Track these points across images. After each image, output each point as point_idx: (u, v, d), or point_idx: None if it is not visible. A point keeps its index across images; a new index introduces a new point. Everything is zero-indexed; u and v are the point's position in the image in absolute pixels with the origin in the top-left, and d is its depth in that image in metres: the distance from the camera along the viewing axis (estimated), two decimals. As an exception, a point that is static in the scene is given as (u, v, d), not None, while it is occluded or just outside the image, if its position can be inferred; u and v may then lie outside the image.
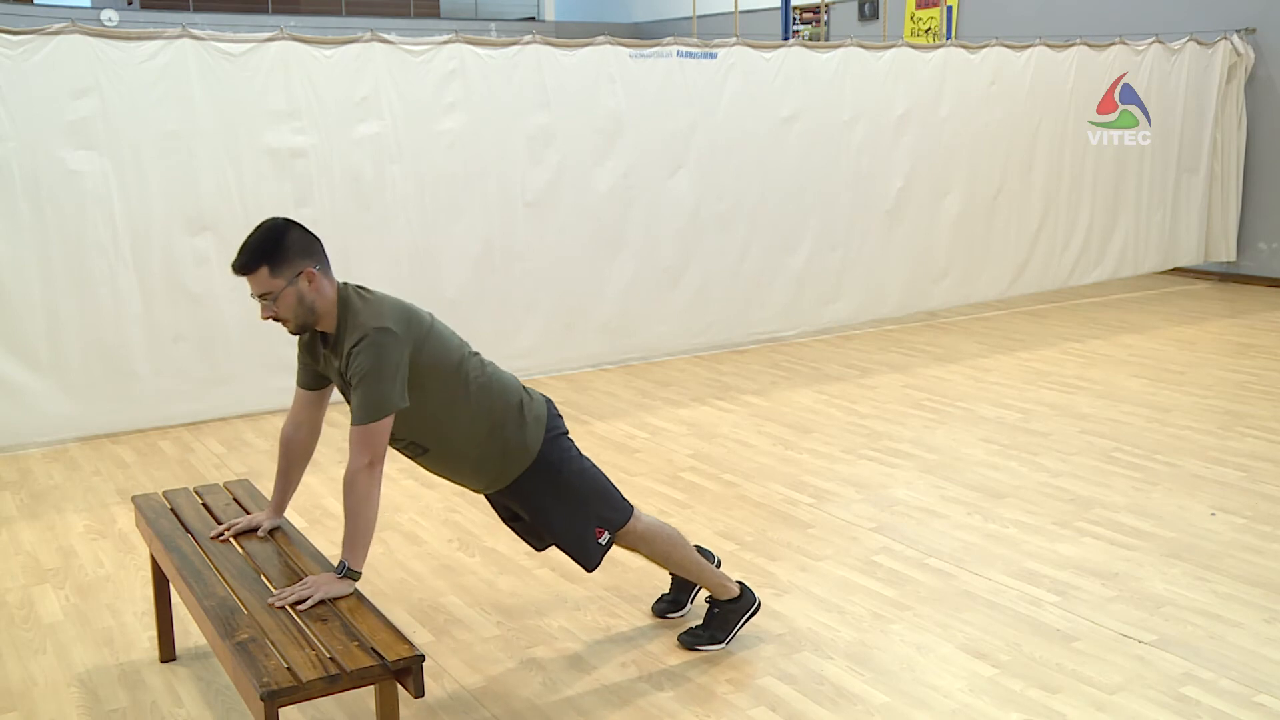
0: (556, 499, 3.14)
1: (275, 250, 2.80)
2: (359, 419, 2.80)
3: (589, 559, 3.18)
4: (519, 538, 3.36)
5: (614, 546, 3.23)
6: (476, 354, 3.11)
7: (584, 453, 3.25)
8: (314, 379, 3.10)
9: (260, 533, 3.17)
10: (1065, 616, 3.54)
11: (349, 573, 2.81)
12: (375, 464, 2.82)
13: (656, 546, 3.30)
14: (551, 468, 3.11)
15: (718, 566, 3.57)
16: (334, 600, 2.75)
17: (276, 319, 2.88)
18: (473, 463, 3.07)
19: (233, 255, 2.87)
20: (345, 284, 2.94)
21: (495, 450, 3.05)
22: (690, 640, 3.37)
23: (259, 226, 2.85)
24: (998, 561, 3.97)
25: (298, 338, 3.01)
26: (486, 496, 3.24)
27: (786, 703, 3.07)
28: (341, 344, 2.88)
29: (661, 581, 3.74)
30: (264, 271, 2.80)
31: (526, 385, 3.20)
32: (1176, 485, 4.74)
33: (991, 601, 3.66)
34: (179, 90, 5.52)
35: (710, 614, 3.40)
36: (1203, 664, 3.23)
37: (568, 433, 3.22)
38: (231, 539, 3.14)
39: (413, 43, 6.14)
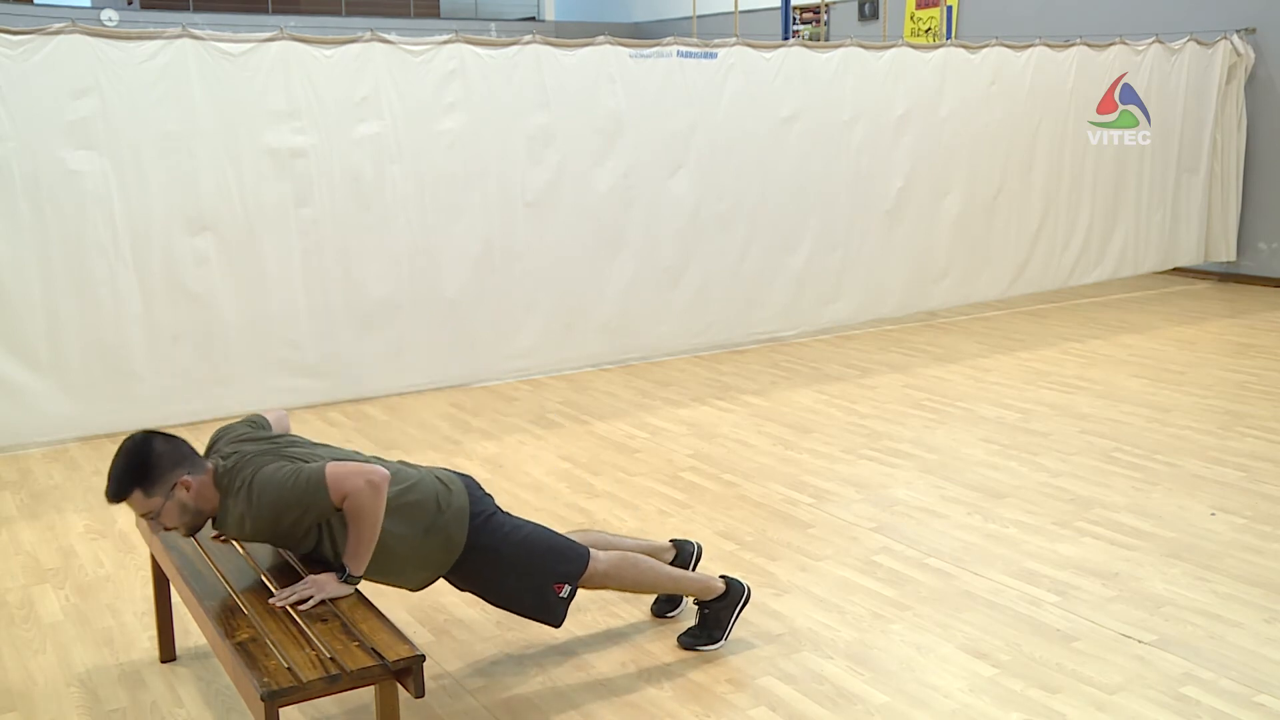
0: (503, 575, 3.09)
1: (143, 472, 2.79)
2: (325, 473, 2.77)
3: (553, 616, 3.13)
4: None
5: (579, 592, 3.21)
6: (386, 463, 3.04)
7: (520, 519, 3.18)
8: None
9: None
10: (1065, 616, 3.54)
11: (350, 578, 2.81)
12: (373, 479, 2.80)
13: (625, 579, 3.25)
14: (488, 550, 3.06)
15: (696, 555, 3.58)
16: (334, 601, 2.75)
17: (168, 530, 2.89)
18: (406, 575, 3.02)
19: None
20: (216, 465, 2.90)
21: (422, 557, 3.00)
22: (689, 641, 3.37)
23: (120, 449, 2.81)
24: (998, 561, 3.97)
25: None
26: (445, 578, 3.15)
27: (786, 703, 3.07)
28: (228, 513, 2.85)
29: (661, 581, 3.74)
30: (138, 495, 2.80)
31: (441, 474, 3.11)
32: (1176, 485, 4.74)
33: (991, 601, 3.66)
34: (179, 90, 5.52)
35: (702, 615, 3.40)
36: (1203, 664, 3.23)
37: (494, 511, 3.13)
38: (233, 540, 3.14)
39: (413, 43, 6.14)
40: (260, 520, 2.81)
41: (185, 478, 2.82)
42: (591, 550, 3.21)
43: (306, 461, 2.87)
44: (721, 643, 3.36)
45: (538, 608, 3.12)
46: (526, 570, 3.10)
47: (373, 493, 2.80)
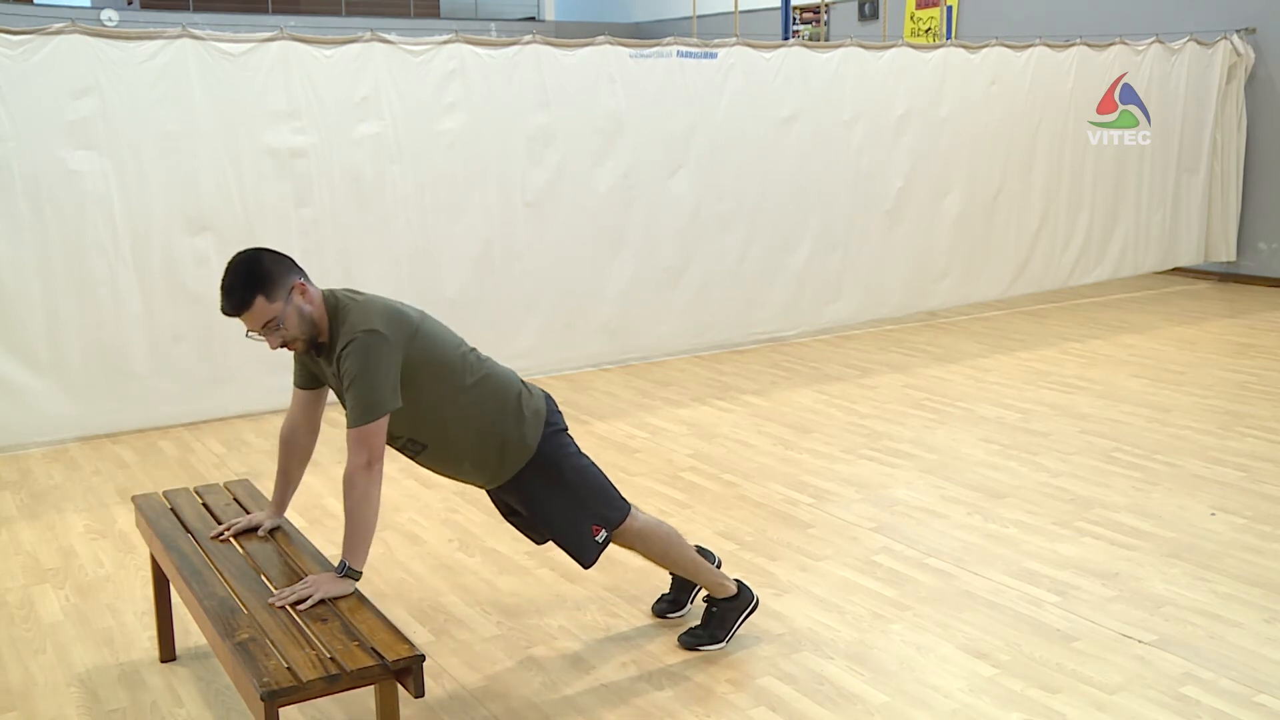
0: (554, 495, 3.14)
1: (263, 277, 2.81)
2: (353, 421, 2.81)
3: (586, 556, 3.18)
4: (519, 532, 3.36)
5: (611, 545, 3.23)
6: (474, 350, 3.12)
7: (583, 451, 3.25)
8: (310, 378, 3.11)
9: (260, 532, 3.17)
10: (1065, 616, 3.54)
11: (349, 572, 2.81)
12: (374, 464, 2.82)
13: (653, 545, 3.30)
14: (550, 463, 3.11)
15: (718, 567, 3.58)
16: (334, 600, 2.75)
17: (285, 345, 2.88)
18: (471, 459, 3.07)
19: (234, 254, 2.88)
20: (331, 290, 2.95)
21: (493, 446, 3.05)
22: (690, 641, 3.37)
23: (231, 264, 2.84)
24: (998, 561, 3.97)
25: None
26: (487, 492, 3.24)
27: (786, 703, 3.07)
28: (333, 349, 2.88)
29: (661, 581, 3.74)
30: (260, 301, 2.81)
31: (526, 380, 3.20)
32: (1176, 485, 4.74)
33: (991, 601, 3.66)
34: (179, 90, 5.52)
35: (709, 613, 3.40)
36: (1203, 664, 3.23)
37: (567, 429, 3.22)
38: (231, 539, 3.14)
39: (413, 43, 6.14)
40: (355, 372, 2.81)
41: (302, 282, 2.86)
42: (633, 507, 3.26)
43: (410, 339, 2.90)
44: (723, 644, 3.36)
45: (575, 540, 3.17)
46: (577, 499, 3.15)
47: (366, 475, 2.80)
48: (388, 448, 2.95)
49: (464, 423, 3.02)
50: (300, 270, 2.91)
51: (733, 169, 7.17)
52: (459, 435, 3.03)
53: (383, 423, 2.83)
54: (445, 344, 3.02)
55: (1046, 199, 8.61)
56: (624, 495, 3.28)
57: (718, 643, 3.36)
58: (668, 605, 3.59)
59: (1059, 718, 2.97)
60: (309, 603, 2.72)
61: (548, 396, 3.21)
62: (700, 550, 3.55)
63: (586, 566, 3.21)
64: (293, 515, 4.49)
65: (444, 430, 3.02)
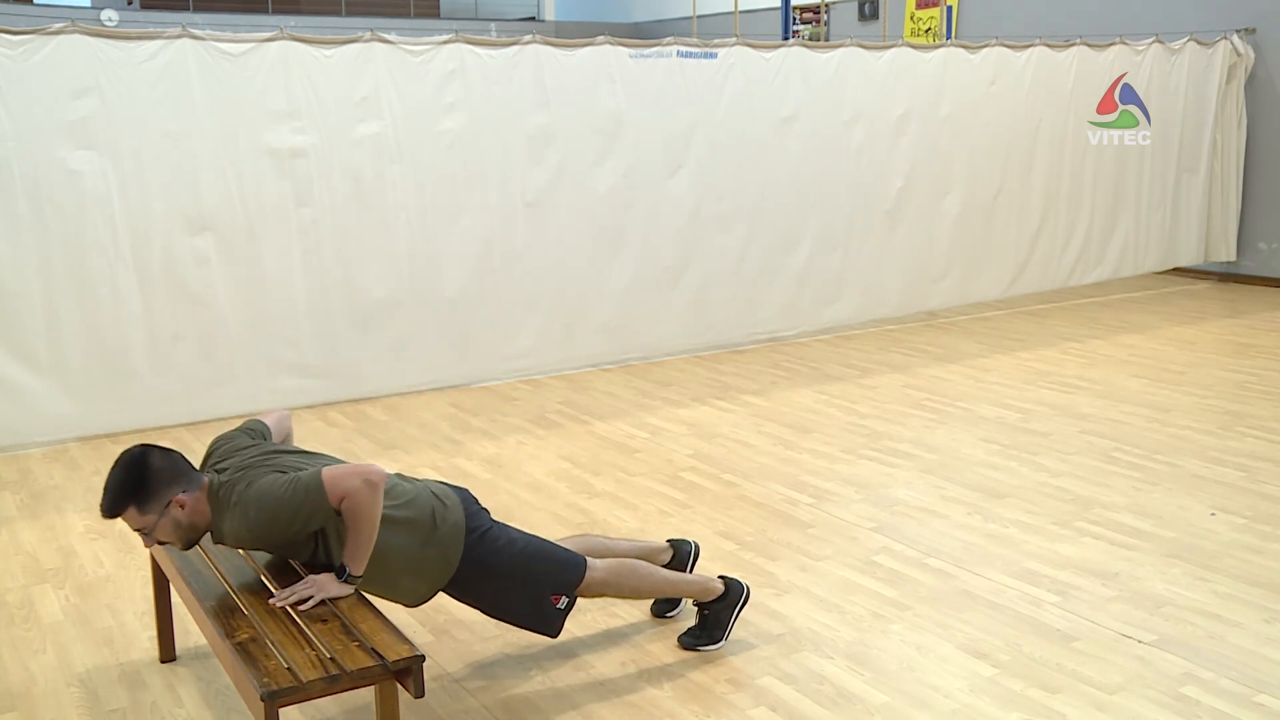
0: (499, 589, 3.09)
1: (138, 489, 2.78)
2: (321, 477, 2.77)
3: (551, 628, 3.14)
4: None
5: (579, 600, 3.21)
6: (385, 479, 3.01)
7: (516, 529, 3.18)
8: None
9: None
10: (1065, 616, 3.54)
11: (350, 577, 2.81)
12: (370, 479, 2.80)
13: (623, 586, 3.25)
14: (483, 567, 3.05)
15: (694, 555, 3.59)
16: (334, 601, 2.75)
17: (155, 543, 2.88)
18: (402, 589, 3.02)
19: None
20: (211, 480, 2.89)
21: (418, 571, 2.99)
22: (689, 642, 3.37)
23: (116, 463, 2.81)
24: (998, 561, 3.97)
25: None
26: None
27: (786, 703, 3.07)
28: (224, 527, 2.84)
29: (661, 581, 3.74)
30: (133, 511, 2.79)
31: (437, 489, 3.11)
32: (1176, 485, 4.74)
33: (991, 601, 3.66)
34: (179, 90, 5.52)
35: (702, 616, 3.40)
36: (1203, 664, 3.23)
37: (490, 526, 3.12)
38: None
39: (413, 43, 6.14)
40: (257, 532, 2.80)
41: (180, 495, 2.82)
42: (589, 560, 3.20)
43: (301, 469, 2.87)
44: (722, 643, 3.36)
45: (535, 619, 3.12)
46: (523, 582, 3.10)
47: (370, 491, 2.80)
48: None
49: (389, 558, 2.92)
50: (187, 477, 2.85)
51: (733, 169, 7.17)
52: (381, 572, 2.93)
53: (343, 467, 2.83)
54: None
55: (1046, 199, 8.61)
56: (571, 551, 3.20)
57: (715, 642, 3.36)
58: (665, 604, 3.59)
59: (1059, 718, 2.97)
60: (310, 603, 2.72)
61: (464, 497, 3.13)
62: (673, 543, 3.57)
63: (554, 636, 3.16)
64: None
65: (370, 571, 2.90)
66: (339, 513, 2.81)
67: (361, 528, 2.81)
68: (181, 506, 2.82)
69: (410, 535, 2.97)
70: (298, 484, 2.78)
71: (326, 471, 2.80)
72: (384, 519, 2.90)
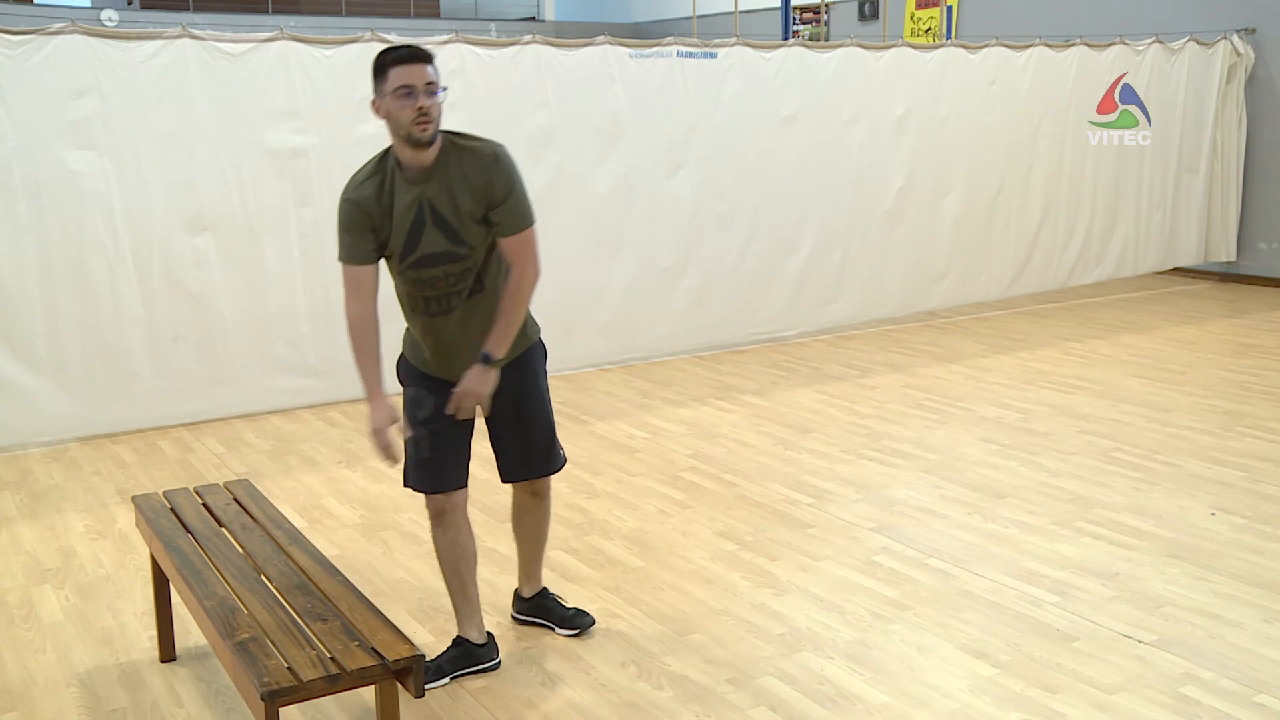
0: (541, 390, 3.29)
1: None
2: (524, 224, 3.03)
3: (557, 460, 3.33)
4: (496, 463, 3.32)
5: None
6: None
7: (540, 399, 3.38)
8: (377, 250, 3.07)
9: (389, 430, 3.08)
10: (1065, 616, 3.54)
11: (494, 362, 3.03)
12: (539, 275, 3.09)
13: (442, 557, 3.26)
14: (540, 360, 3.32)
15: (564, 620, 3.50)
16: (335, 603, 2.75)
17: (425, 118, 2.87)
18: (488, 326, 3.13)
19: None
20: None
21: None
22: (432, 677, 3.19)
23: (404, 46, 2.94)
24: (998, 561, 3.97)
25: (354, 213, 3.02)
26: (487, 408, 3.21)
27: (786, 703, 3.07)
28: (462, 166, 2.95)
29: (662, 583, 3.74)
30: (431, 68, 2.91)
31: None
32: (1176, 485, 4.74)
33: (991, 601, 3.66)
34: (179, 90, 5.52)
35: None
36: (1203, 664, 3.23)
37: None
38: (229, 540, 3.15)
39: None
40: (510, 183, 2.99)
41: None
42: (448, 495, 3.22)
43: None
44: (433, 683, 3.16)
45: (552, 439, 3.32)
46: (549, 407, 3.35)
47: (535, 280, 3.10)
48: (432, 289, 3.04)
49: (502, 283, 3.11)
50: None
51: (733, 169, 7.17)
52: (494, 296, 3.10)
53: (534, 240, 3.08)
54: None
55: (1046, 199, 8.61)
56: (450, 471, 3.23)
57: (432, 678, 3.17)
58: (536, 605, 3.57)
59: (1059, 718, 2.97)
60: (473, 410, 3.04)
61: None
62: (551, 602, 3.54)
63: (559, 467, 3.34)
64: (292, 515, 4.49)
65: (495, 282, 3.10)
66: (506, 265, 3.05)
67: (518, 312, 3.06)
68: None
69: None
70: (523, 190, 3.04)
71: (527, 235, 3.05)
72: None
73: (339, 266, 3.13)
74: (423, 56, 2.89)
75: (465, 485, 3.21)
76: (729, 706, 3.05)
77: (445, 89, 2.93)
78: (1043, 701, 3.04)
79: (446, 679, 3.19)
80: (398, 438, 3.08)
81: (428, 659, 3.17)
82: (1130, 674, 3.18)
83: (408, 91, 2.85)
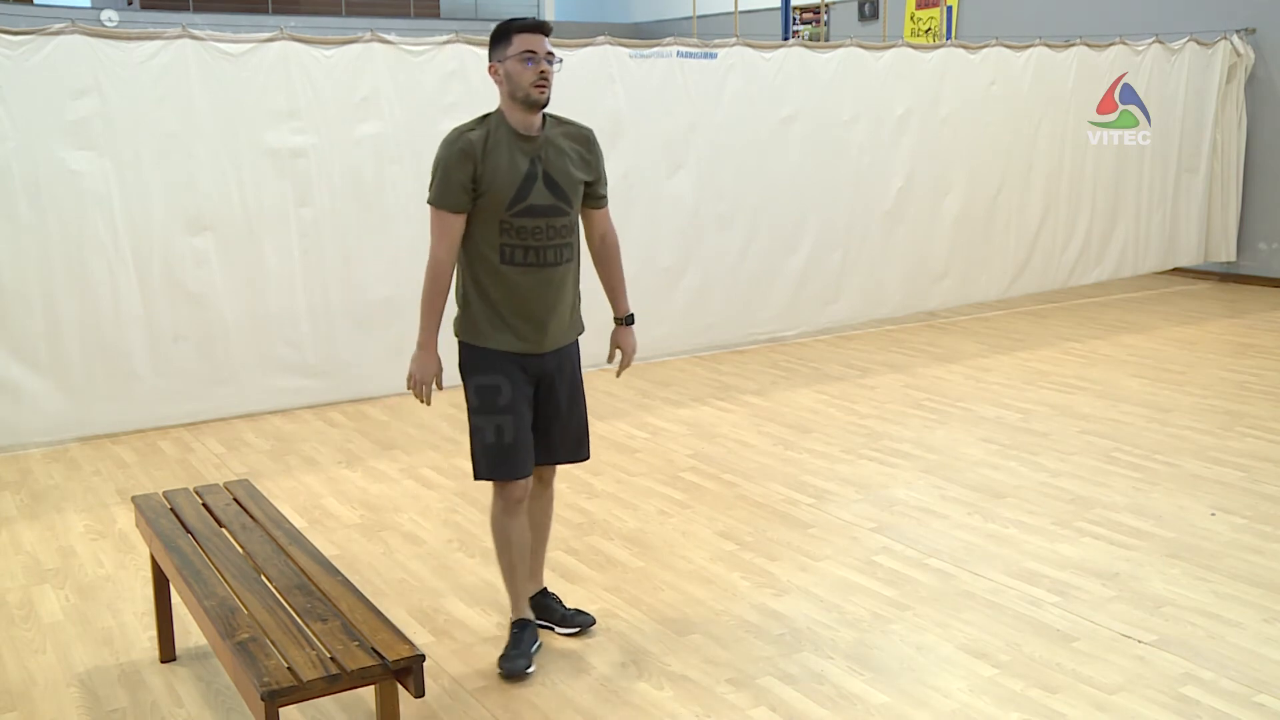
0: (580, 380, 3.45)
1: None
2: (608, 201, 3.39)
3: (586, 447, 3.46)
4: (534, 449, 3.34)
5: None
6: None
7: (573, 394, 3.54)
8: (472, 196, 3.19)
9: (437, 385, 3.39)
10: (1065, 616, 3.54)
11: (630, 318, 3.55)
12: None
13: (496, 538, 3.37)
14: (579, 354, 3.49)
15: (565, 620, 3.51)
16: (340, 605, 2.75)
17: (544, 81, 3.08)
18: (572, 297, 3.36)
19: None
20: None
21: (578, 299, 3.42)
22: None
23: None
24: (998, 561, 3.97)
25: (461, 156, 3.12)
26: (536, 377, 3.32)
27: (786, 703, 3.07)
28: (569, 138, 3.25)
29: (662, 582, 3.73)
30: (549, 41, 3.11)
31: None
32: (1176, 485, 4.74)
33: (991, 601, 3.66)
34: (179, 90, 5.51)
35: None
36: (1203, 664, 3.23)
37: None
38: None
39: (413, 43, 6.14)
40: (602, 162, 3.38)
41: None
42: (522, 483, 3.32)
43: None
44: (504, 665, 3.25)
45: (586, 428, 3.46)
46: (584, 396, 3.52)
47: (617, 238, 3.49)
48: (535, 239, 3.21)
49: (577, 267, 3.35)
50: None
51: (733, 169, 7.16)
52: (577, 271, 3.34)
53: None
54: None
55: (1046, 199, 8.61)
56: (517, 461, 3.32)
57: (502, 663, 3.27)
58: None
59: (1059, 718, 2.97)
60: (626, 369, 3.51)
61: None
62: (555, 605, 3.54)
63: (588, 456, 3.47)
64: (292, 515, 4.49)
65: (578, 255, 3.32)
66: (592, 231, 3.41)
67: (620, 262, 3.48)
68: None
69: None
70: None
71: (608, 208, 3.41)
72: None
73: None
74: (545, 28, 3.12)
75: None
76: (729, 706, 3.05)
77: (561, 60, 3.15)
78: (1043, 701, 3.04)
79: (533, 663, 3.27)
80: (437, 392, 3.36)
81: (501, 656, 3.27)
82: (1130, 674, 3.18)
83: (530, 57, 3.06)
